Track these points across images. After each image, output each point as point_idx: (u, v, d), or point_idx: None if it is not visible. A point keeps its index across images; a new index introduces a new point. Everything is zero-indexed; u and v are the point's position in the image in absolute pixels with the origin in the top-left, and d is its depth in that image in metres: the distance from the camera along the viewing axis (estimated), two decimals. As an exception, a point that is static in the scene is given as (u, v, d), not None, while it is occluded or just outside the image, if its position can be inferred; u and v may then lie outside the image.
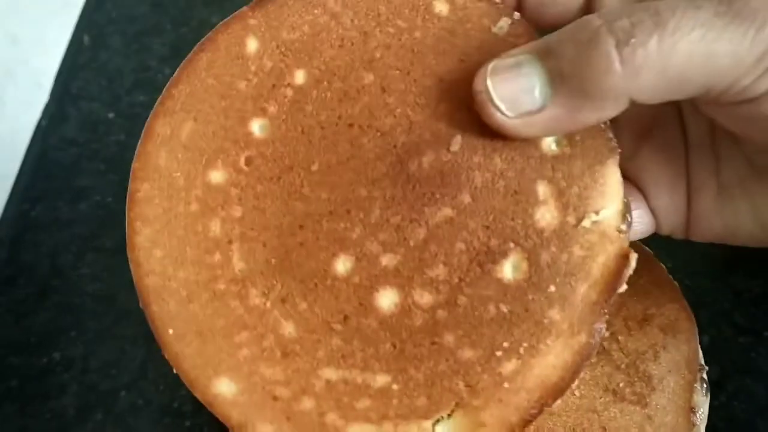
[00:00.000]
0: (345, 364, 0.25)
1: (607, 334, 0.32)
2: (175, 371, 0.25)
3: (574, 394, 0.30)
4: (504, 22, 0.26)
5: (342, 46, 0.26)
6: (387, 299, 0.25)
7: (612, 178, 0.25)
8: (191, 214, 0.26)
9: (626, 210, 0.25)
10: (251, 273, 0.25)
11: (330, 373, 0.25)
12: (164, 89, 0.26)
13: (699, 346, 0.33)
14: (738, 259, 0.40)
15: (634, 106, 0.24)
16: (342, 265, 0.25)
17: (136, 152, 0.26)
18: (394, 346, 0.25)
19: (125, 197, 0.26)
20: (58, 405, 0.41)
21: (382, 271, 0.25)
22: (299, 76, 0.26)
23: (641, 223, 0.31)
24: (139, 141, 0.26)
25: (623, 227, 0.25)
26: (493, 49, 0.26)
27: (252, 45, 0.27)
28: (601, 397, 0.30)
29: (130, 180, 0.26)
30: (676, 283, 0.34)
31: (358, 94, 0.26)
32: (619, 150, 0.26)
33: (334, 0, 0.27)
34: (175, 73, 0.27)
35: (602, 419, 0.30)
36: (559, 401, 0.29)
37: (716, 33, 0.22)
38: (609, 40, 0.22)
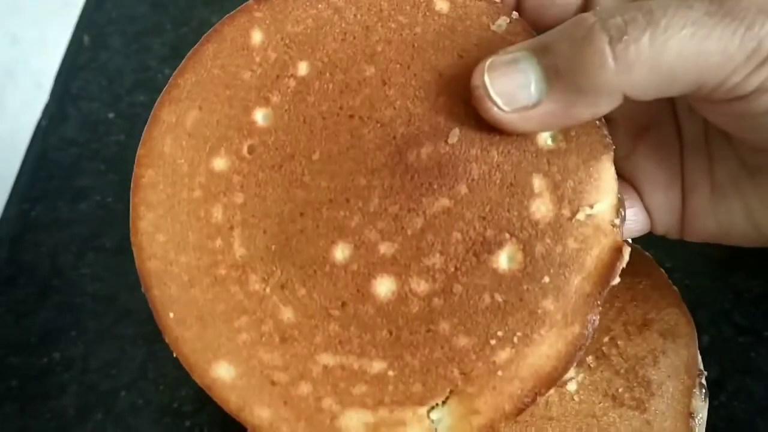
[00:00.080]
0: (342, 349, 0.25)
1: (606, 339, 0.32)
2: (174, 355, 0.25)
3: (573, 399, 0.30)
4: (503, 21, 0.27)
5: (344, 40, 0.27)
6: (384, 287, 0.25)
7: (606, 173, 0.26)
8: (194, 200, 0.26)
9: (620, 205, 0.26)
10: (251, 259, 0.26)
11: (327, 359, 0.25)
12: (170, 78, 0.27)
13: (698, 351, 0.33)
14: (738, 259, 0.41)
15: (629, 105, 0.25)
16: (341, 252, 0.26)
17: (141, 139, 0.26)
18: (391, 333, 0.25)
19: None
20: (58, 405, 0.41)
21: (379, 259, 0.25)
22: (302, 68, 0.27)
23: (636, 222, 0.31)
24: (145, 128, 0.27)
25: (617, 221, 0.26)
26: (492, 46, 0.26)
27: (257, 37, 0.27)
28: (600, 402, 0.30)
29: (135, 166, 0.26)
30: (675, 288, 0.35)
31: (360, 86, 0.27)
32: (614, 146, 0.26)
33: None
34: (182, 62, 0.27)
35: (601, 424, 0.30)
36: (557, 404, 0.30)
37: (707, 31, 0.23)
38: (603, 37, 0.23)
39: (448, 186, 0.26)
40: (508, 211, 0.25)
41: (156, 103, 0.27)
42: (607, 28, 0.23)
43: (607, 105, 0.24)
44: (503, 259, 0.25)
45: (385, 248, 0.25)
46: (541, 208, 0.26)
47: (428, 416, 0.25)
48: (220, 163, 0.26)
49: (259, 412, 0.25)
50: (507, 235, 0.25)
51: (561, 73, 0.24)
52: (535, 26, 0.28)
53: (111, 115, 0.53)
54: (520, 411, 0.25)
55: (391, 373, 0.25)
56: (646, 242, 0.34)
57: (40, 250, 0.47)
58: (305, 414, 0.25)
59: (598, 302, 0.25)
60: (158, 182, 0.26)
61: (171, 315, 0.25)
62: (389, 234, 0.25)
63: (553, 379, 0.25)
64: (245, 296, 0.25)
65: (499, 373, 0.25)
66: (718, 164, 0.30)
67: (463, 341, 0.25)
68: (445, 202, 0.25)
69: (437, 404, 0.25)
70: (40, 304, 0.45)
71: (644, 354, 0.32)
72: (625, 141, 0.31)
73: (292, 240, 0.26)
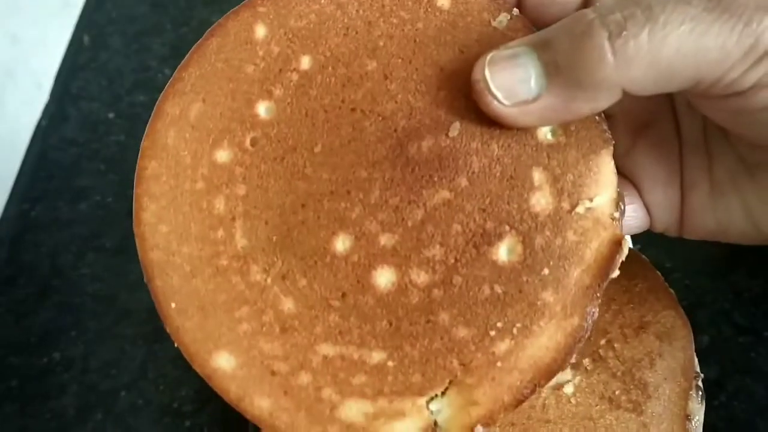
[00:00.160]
0: (342, 340, 0.25)
1: (603, 342, 0.32)
2: (175, 345, 0.26)
3: (570, 402, 0.31)
4: (503, 17, 0.27)
5: (347, 35, 0.27)
6: (384, 278, 0.25)
7: (606, 167, 0.26)
8: (197, 192, 0.26)
9: (619, 199, 0.26)
10: (253, 250, 0.26)
11: (327, 349, 0.25)
12: (175, 72, 0.27)
13: (695, 354, 0.33)
14: (738, 258, 0.41)
15: (629, 103, 0.25)
16: (341, 243, 0.26)
17: (145, 131, 0.27)
18: (390, 324, 0.25)
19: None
20: (58, 405, 0.41)
21: (380, 250, 0.26)
22: (305, 62, 0.27)
23: (635, 218, 0.31)
24: (149, 120, 0.27)
25: (616, 215, 0.26)
26: (492, 41, 0.27)
27: (260, 31, 0.27)
28: (597, 405, 0.31)
29: (138, 157, 0.26)
30: (671, 290, 0.35)
31: (361, 80, 0.27)
32: (613, 142, 0.27)
33: None
34: (186, 56, 0.27)
35: (598, 427, 0.30)
36: (554, 406, 0.30)
37: (705, 27, 0.23)
38: (602, 32, 0.23)
39: (449, 178, 0.26)
40: (508, 203, 0.26)
41: (160, 96, 0.27)
42: (607, 23, 0.24)
43: (606, 100, 0.25)
44: (503, 251, 0.25)
45: (385, 239, 0.26)
46: (541, 200, 0.26)
47: (427, 407, 0.25)
48: (222, 155, 0.27)
49: (259, 402, 0.25)
50: (507, 227, 0.26)
51: (560, 68, 0.24)
52: (535, 24, 0.28)
53: (111, 115, 0.53)
54: (519, 402, 0.25)
55: (390, 363, 0.25)
56: (646, 242, 0.35)
57: (40, 250, 0.48)
58: (305, 404, 0.25)
59: (598, 294, 0.25)
60: (161, 174, 0.26)
61: (172, 305, 0.26)
62: (390, 225, 0.26)
63: (553, 370, 0.25)
64: (246, 287, 0.26)
65: (499, 364, 0.25)
66: (717, 162, 0.30)
67: (462, 332, 0.25)
68: (445, 194, 0.26)
69: (436, 395, 0.25)
70: (40, 304, 0.45)
71: (641, 356, 0.32)
72: (625, 138, 0.31)
73: (293, 231, 0.26)
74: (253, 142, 0.27)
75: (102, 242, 0.47)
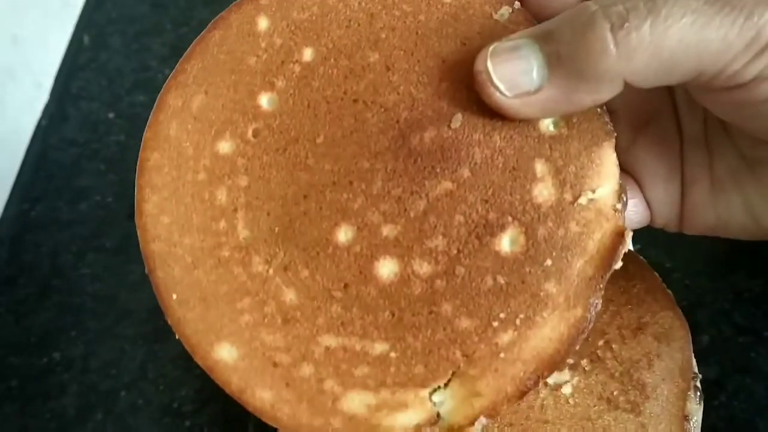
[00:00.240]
0: (344, 331, 0.25)
1: (601, 343, 0.32)
2: (177, 336, 0.25)
3: (569, 402, 0.31)
4: (505, 10, 0.27)
5: (349, 27, 0.27)
6: (387, 268, 0.25)
7: (608, 159, 0.26)
8: (199, 183, 0.26)
9: (622, 190, 0.26)
10: (255, 241, 0.26)
11: (329, 340, 0.25)
12: (177, 64, 0.27)
13: (693, 354, 0.33)
14: (738, 258, 0.41)
15: (631, 98, 0.25)
16: (344, 234, 0.26)
17: (148, 122, 0.27)
18: (393, 315, 0.25)
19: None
20: (58, 405, 0.41)
21: (382, 241, 0.25)
22: (307, 54, 0.27)
23: (636, 213, 0.31)
24: (152, 112, 0.27)
25: (619, 206, 0.26)
26: (494, 34, 0.27)
27: (263, 23, 0.28)
28: (595, 406, 0.31)
29: (141, 149, 0.26)
30: (669, 291, 0.35)
31: (364, 72, 0.27)
32: (615, 134, 0.27)
33: None
34: (188, 48, 0.27)
35: (596, 427, 0.30)
36: (553, 407, 0.30)
37: (707, 19, 0.23)
38: (604, 24, 0.23)
39: (451, 169, 0.26)
40: (511, 194, 0.26)
41: (162, 88, 0.27)
42: (609, 15, 0.24)
43: (608, 91, 0.25)
44: (505, 242, 0.25)
45: (387, 230, 0.26)
46: (543, 192, 0.26)
47: (430, 398, 0.25)
48: (224, 147, 0.27)
49: (261, 394, 0.25)
50: (509, 218, 0.25)
51: (563, 60, 0.24)
52: (537, 17, 0.28)
53: (111, 115, 0.53)
54: (522, 394, 0.25)
55: (393, 354, 0.25)
56: (647, 242, 0.35)
57: (40, 250, 0.48)
58: (307, 395, 0.25)
59: (601, 286, 0.25)
60: (163, 165, 0.26)
61: (174, 296, 0.26)
62: (392, 216, 0.26)
63: (556, 361, 0.25)
64: (248, 278, 0.26)
65: (502, 355, 0.25)
66: (718, 158, 0.31)
67: (465, 323, 0.25)
68: (447, 185, 0.26)
69: (439, 386, 0.25)
70: (40, 304, 0.45)
71: (639, 357, 0.32)
72: (626, 134, 0.31)
73: (295, 222, 0.26)
74: (256, 134, 0.27)
75: (102, 242, 0.47)
